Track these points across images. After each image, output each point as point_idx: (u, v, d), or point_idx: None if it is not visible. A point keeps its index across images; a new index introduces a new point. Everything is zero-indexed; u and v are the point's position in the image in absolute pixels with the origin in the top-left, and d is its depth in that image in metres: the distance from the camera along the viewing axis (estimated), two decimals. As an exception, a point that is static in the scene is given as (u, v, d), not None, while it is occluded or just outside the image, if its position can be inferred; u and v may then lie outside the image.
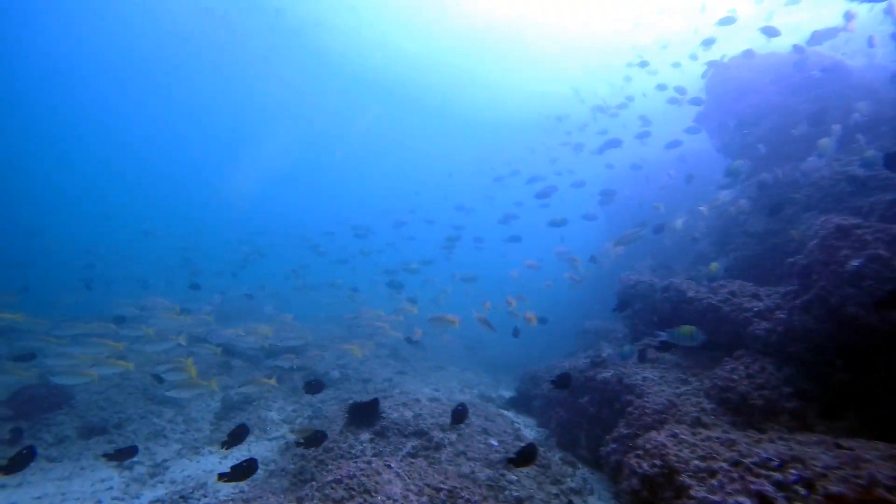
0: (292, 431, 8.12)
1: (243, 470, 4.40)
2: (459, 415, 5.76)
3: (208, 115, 51.35)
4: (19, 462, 4.73)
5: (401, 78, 39.57)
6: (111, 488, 5.77)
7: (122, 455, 5.35)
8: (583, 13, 27.68)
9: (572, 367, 8.63)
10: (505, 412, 9.53)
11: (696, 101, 13.37)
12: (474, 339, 20.60)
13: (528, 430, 8.67)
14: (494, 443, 6.81)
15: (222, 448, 5.31)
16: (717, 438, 3.63)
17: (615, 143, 14.54)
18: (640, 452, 3.86)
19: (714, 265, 8.41)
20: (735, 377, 5.27)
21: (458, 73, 37.76)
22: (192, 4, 30.09)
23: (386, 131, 51.96)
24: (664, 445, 3.70)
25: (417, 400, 8.03)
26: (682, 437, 3.79)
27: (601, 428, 6.80)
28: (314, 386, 6.99)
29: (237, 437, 5.15)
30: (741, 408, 4.98)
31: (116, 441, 7.16)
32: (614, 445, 5.38)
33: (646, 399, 5.68)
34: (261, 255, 23.71)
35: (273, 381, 7.95)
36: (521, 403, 10.45)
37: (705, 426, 4.88)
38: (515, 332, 9.80)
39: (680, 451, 3.55)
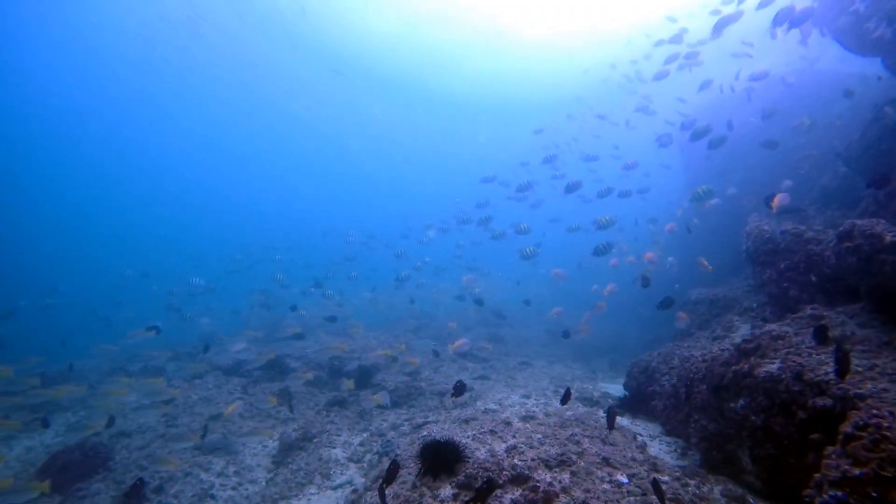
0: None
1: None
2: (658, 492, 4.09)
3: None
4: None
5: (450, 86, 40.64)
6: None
7: None
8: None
9: (706, 356, 6.54)
10: (618, 419, 7.58)
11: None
12: (557, 323, 18.57)
13: (656, 443, 6.70)
14: (623, 479, 4.95)
15: None
16: None
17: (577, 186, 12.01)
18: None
19: None
20: None
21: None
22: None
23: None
24: None
25: (508, 423, 6.31)
26: None
27: (776, 446, 4.74)
28: (459, 388, 6.45)
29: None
30: None
31: (155, 510, 6.01)
32: (838, 494, 3.35)
33: (873, 411, 3.58)
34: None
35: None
36: (634, 404, 8.42)
37: None
38: (645, 282, 9.48)
39: None
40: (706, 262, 10.95)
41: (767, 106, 9.76)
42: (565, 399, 6.16)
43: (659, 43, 14.79)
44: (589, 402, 8.83)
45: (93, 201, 61.80)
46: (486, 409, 7.60)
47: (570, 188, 11.37)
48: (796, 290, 6.57)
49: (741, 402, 5.30)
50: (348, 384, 8.81)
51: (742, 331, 7.61)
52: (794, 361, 4.83)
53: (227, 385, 10.16)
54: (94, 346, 9.88)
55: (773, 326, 6.03)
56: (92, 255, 55.43)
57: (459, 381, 6.62)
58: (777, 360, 5.07)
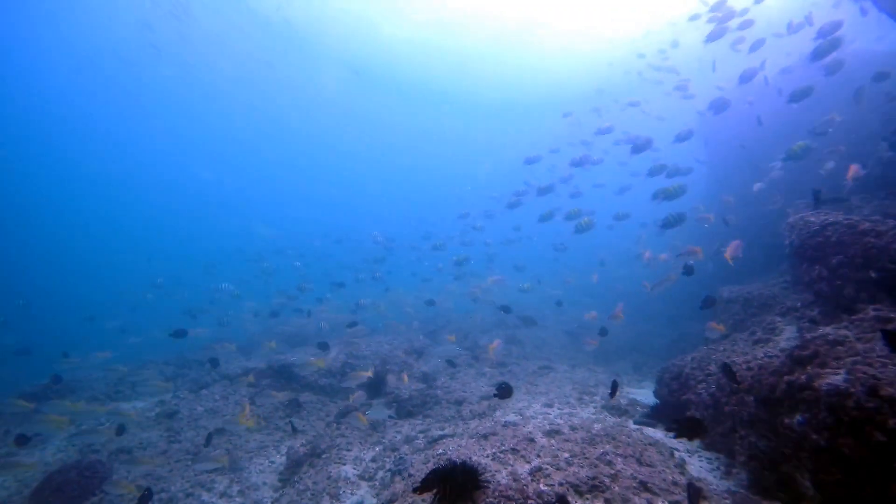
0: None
1: None
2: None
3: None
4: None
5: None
6: None
7: None
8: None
9: (751, 363, 5.89)
10: (651, 432, 6.96)
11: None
12: (582, 325, 17.87)
13: (695, 459, 6.07)
14: (665, 507, 4.35)
15: None
16: None
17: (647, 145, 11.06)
18: None
19: None
20: None
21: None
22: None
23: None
24: None
25: (531, 439, 5.73)
26: None
27: (845, 471, 4.10)
28: (504, 390, 6.33)
29: None
30: None
31: (151, 538, 5.56)
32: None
33: (981, 438, 2.95)
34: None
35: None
36: (666, 414, 7.78)
37: None
38: (689, 270, 8.45)
39: None
40: (731, 253, 10.28)
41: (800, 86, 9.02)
42: (613, 392, 6.15)
43: (694, 17, 14.07)
44: (617, 411, 8.20)
45: (91, 205, 61.92)
46: (506, 421, 7.03)
47: (638, 148, 10.59)
48: (852, 288, 5.88)
49: (798, 417, 4.66)
50: (352, 397, 8.33)
51: (787, 333, 6.93)
52: (864, 373, 4.18)
53: (234, 395, 9.75)
54: (90, 357, 9.55)
55: (827, 330, 5.35)
56: (89, 262, 55.65)
57: (504, 383, 6.38)
58: (841, 371, 4.42)
